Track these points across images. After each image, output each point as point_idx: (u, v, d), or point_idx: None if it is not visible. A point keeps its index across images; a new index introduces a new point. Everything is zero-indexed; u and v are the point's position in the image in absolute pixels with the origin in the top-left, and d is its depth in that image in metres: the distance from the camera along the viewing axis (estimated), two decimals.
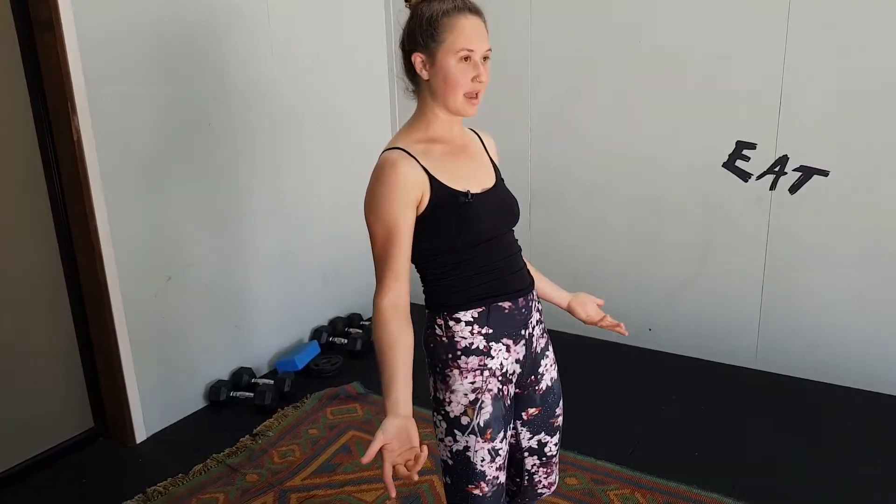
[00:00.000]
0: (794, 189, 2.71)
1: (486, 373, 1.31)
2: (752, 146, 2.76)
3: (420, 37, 1.28)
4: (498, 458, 1.34)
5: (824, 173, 2.64)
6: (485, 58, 1.29)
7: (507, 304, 1.32)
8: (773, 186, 2.75)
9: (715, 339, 3.03)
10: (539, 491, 1.54)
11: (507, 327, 1.33)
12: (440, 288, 1.33)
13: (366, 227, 1.29)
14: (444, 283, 1.32)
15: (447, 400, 1.33)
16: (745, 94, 2.73)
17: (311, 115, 3.18)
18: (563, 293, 1.57)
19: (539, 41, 3.16)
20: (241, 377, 2.91)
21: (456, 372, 1.31)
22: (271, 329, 3.15)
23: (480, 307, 1.30)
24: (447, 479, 1.38)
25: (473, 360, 1.30)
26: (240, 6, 2.76)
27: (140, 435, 2.58)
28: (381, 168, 1.27)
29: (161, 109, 2.51)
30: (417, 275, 1.38)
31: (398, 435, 1.20)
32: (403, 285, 1.26)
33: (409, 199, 1.25)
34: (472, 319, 1.30)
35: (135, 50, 2.39)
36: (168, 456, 2.49)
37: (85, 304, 2.47)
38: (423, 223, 1.28)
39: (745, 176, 2.80)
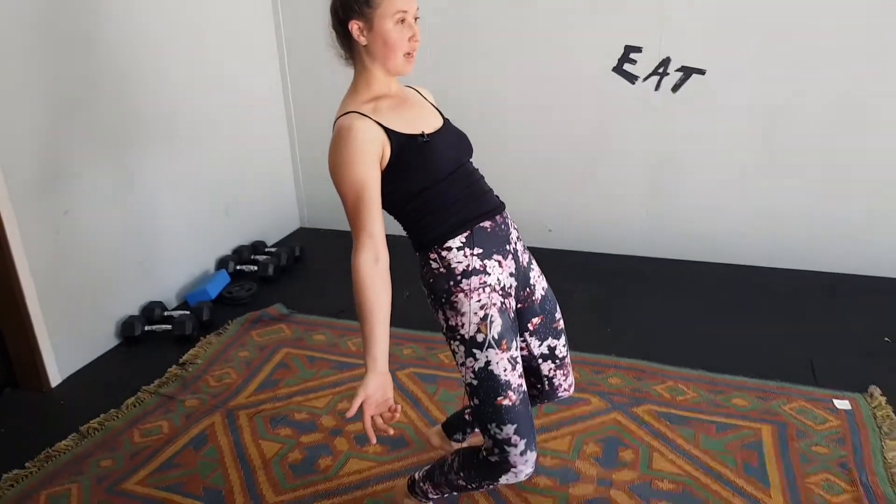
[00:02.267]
0: (675, 88, 2.97)
1: (488, 289, 1.40)
2: (639, 50, 2.96)
3: (355, 4, 1.34)
4: (518, 366, 1.43)
5: (701, 72, 2.91)
6: (416, 18, 1.38)
7: (487, 224, 1.42)
8: (657, 87, 3.00)
9: (608, 233, 3.31)
10: (560, 394, 1.67)
11: (494, 244, 1.42)
12: (422, 227, 1.41)
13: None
14: (424, 223, 1.40)
15: (460, 324, 1.40)
16: None
17: (190, 34, 2.99)
18: None
19: None
20: (153, 311, 2.81)
21: (461, 295, 1.38)
22: (176, 262, 3.03)
23: (465, 231, 1.39)
24: (475, 400, 1.43)
25: (474, 280, 1.39)
26: None
27: (55, 379, 2.44)
28: (338, 134, 1.33)
29: (39, 25, 2.26)
30: None
31: (376, 391, 1.30)
32: (379, 241, 1.31)
33: (370, 156, 1.31)
34: (461, 244, 1.39)
35: None
36: (91, 395, 2.39)
37: None
38: (391, 173, 1.35)
39: (632, 79, 3.02)
